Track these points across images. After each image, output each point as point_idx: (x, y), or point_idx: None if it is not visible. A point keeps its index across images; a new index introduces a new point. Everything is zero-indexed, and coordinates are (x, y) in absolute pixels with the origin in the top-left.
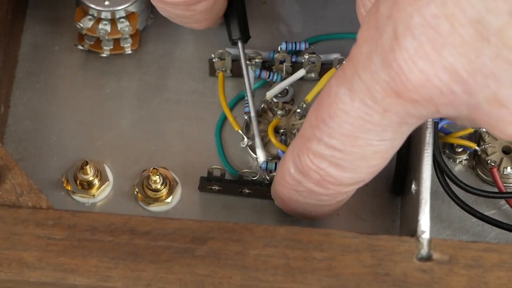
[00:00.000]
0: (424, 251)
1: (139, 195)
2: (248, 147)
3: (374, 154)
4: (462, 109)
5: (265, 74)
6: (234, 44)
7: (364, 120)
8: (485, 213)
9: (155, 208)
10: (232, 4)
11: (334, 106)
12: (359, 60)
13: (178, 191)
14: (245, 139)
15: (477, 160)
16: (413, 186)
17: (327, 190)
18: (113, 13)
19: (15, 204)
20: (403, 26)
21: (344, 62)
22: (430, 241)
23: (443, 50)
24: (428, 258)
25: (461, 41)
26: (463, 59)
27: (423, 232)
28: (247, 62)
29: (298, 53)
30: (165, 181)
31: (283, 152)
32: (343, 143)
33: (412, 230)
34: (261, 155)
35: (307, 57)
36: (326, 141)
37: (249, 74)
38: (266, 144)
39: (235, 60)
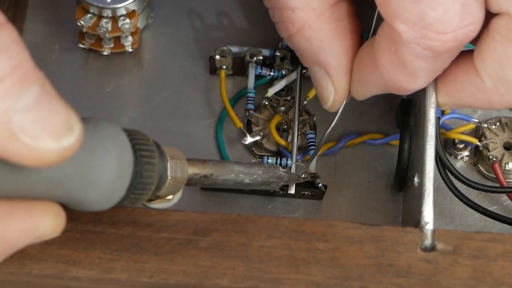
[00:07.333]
0: (428, 241)
1: None
2: (249, 144)
3: None
4: None
5: (265, 71)
6: (293, 65)
7: None
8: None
9: (156, 205)
10: None
11: None
12: None
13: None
14: (247, 136)
15: (478, 156)
16: (415, 179)
17: None
18: (113, 10)
19: None
20: None
21: None
22: (434, 231)
23: None
24: (432, 248)
25: None
26: None
27: (427, 223)
28: (248, 59)
29: None
30: None
31: (284, 148)
32: None
33: (415, 222)
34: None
35: None
36: None
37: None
38: (267, 140)
39: (236, 58)
